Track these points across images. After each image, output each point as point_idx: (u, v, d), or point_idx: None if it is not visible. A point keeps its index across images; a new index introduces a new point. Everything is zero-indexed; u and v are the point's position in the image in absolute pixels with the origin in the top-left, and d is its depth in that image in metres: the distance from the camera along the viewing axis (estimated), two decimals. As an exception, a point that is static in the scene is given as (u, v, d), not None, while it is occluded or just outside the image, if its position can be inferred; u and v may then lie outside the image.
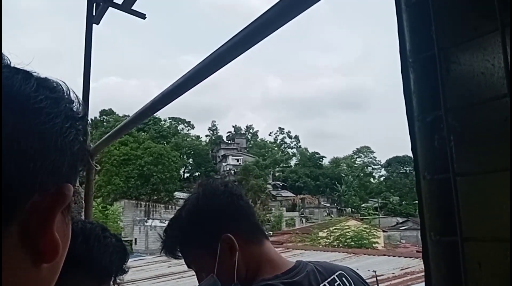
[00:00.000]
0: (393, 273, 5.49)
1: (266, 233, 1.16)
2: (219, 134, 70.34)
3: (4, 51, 0.41)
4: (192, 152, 61.91)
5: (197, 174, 60.50)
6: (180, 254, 1.13)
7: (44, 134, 0.38)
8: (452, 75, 0.55)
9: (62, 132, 0.40)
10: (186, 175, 61.56)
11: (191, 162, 62.86)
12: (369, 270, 5.33)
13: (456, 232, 0.52)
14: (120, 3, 2.51)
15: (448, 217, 0.52)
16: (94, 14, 2.57)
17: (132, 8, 2.52)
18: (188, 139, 64.79)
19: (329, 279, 1.07)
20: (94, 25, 2.55)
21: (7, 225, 0.36)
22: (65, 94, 0.43)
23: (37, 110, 0.38)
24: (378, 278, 4.22)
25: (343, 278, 1.10)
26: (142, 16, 2.35)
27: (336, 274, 1.11)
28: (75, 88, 0.47)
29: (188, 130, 67.97)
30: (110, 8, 2.52)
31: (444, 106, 0.54)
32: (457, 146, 0.53)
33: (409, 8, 0.59)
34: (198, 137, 67.75)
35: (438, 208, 0.55)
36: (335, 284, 1.07)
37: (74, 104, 0.44)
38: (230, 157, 58.38)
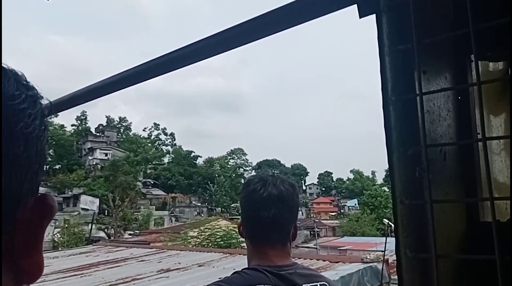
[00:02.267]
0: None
1: (279, 244, 1.32)
2: (87, 125, 65.20)
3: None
4: (54, 142, 56.13)
5: (57, 166, 55.14)
6: None
7: (27, 140, 0.34)
8: (428, 117, 0.65)
9: (39, 135, 0.36)
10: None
11: (51, 153, 56.90)
12: (245, 270, 5.54)
13: (429, 250, 0.61)
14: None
15: (422, 237, 0.61)
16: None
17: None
18: (50, 128, 58.52)
19: (310, 284, 1.26)
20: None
21: None
22: (38, 91, 0.38)
23: (21, 112, 0.34)
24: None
25: None
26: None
27: (320, 283, 1.28)
28: None
29: (50, 118, 61.36)
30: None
31: (424, 143, 0.63)
32: (433, 178, 0.62)
33: (393, 54, 0.67)
34: (62, 126, 61.66)
35: (414, 229, 0.63)
36: None
37: (40, 98, 0.38)
38: (98, 150, 54.63)
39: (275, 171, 72.97)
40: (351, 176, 76.55)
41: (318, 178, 78.05)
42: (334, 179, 77.64)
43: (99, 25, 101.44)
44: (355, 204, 61.47)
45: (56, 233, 27.73)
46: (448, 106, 0.73)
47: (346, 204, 64.15)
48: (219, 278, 1.33)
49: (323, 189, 75.81)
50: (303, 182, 76.94)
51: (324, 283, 1.29)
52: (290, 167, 76.70)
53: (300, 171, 76.22)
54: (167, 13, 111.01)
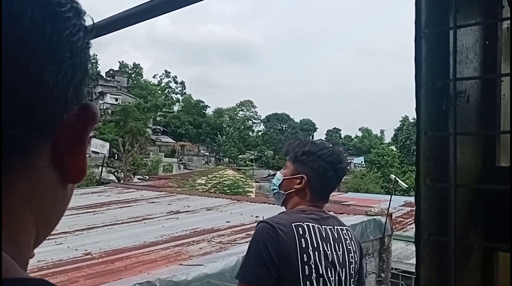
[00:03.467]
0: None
1: (327, 199, 1.78)
2: (98, 69, 64.89)
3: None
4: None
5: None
6: (285, 149, 1.84)
7: (72, 48, 0.35)
8: (461, 51, 0.65)
9: (83, 47, 0.37)
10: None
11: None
12: (252, 216, 5.73)
13: (448, 180, 0.63)
14: None
15: (443, 167, 0.64)
16: None
17: None
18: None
19: (339, 227, 1.70)
20: None
21: (42, 142, 0.34)
22: (80, 4, 0.38)
23: (67, 20, 0.35)
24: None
25: (344, 231, 1.73)
26: None
27: (345, 227, 1.75)
28: None
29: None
30: None
31: (454, 76, 0.63)
32: (460, 110, 0.63)
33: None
34: (72, 69, 61.28)
35: (435, 160, 0.66)
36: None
37: (85, 13, 0.39)
38: (109, 95, 54.75)
39: (284, 125, 73.04)
40: (360, 133, 76.39)
41: (326, 134, 78.01)
42: (342, 136, 77.55)
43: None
44: (362, 162, 61.84)
45: (67, 174, 28.39)
46: (475, 49, 0.73)
47: (352, 161, 64.49)
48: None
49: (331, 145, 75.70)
50: (311, 137, 76.94)
51: (348, 228, 1.73)
52: (298, 122, 76.50)
53: (308, 127, 76.06)
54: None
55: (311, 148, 1.71)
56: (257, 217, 5.44)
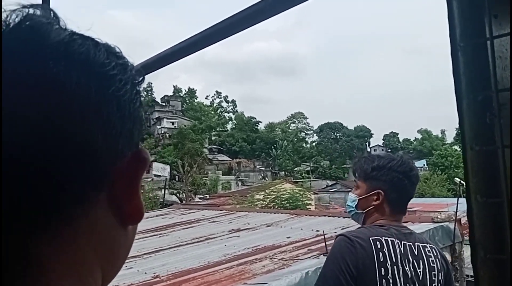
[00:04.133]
0: (335, 232, 5.84)
1: (405, 211, 1.76)
2: (153, 95, 68.04)
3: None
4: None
5: (130, 136, 58.39)
6: (353, 169, 1.82)
7: (119, 102, 0.38)
8: (500, 63, 0.64)
9: (131, 98, 0.40)
10: (118, 138, 59.14)
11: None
12: (312, 230, 5.66)
13: (501, 195, 0.61)
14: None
15: (493, 182, 0.62)
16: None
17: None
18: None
19: (421, 244, 1.64)
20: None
21: (97, 192, 0.37)
22: (128, 59, 0.42)
23: (112, 77, 0.38)
24: (326, 236, 4.50)
25: (432, 249, 1.67)
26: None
27: (429, 245, 1.69)
28: None
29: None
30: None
31: (495, 88, 0.61)
32: (505, 123, 0.62)
33: (461, -1, 0.65)
34: (130, 98, 64.86)
35: (484, 175, 0.64)
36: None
37: (133, 67, 0.43)
38: (165, 120, 57.02)
39: (338, 134, 71.82)
40: (419, 136, 73.19)
41: (383, 139, 75.65)
42: (401, 140, 74.77)
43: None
44: (424, 165, 59.07)
45: (133, 199, 29.79)
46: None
47: (414, 164, 61.57)
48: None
49: (389, 150, 73.37)
50: (367, 144, 74.98)
51: (433, 246, 1.68)
52: (353, 129, 74.83)
53: (363, 133, 74.17)
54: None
55: (379, 162, 1.70)
56: (317, 231, 5.37)
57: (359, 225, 1.75)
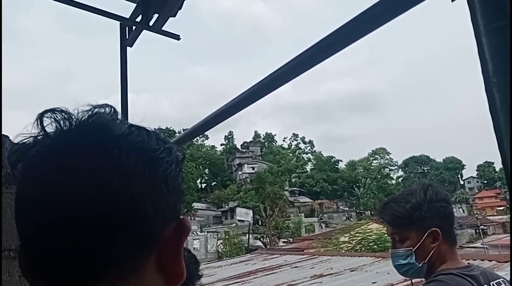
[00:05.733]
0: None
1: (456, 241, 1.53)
2: (234, 143, 70.52)
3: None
4: (208, 162, 62.12)
5: (213, 184, 60.60)
6: (387, 219, 1.51)
7: (167, 179, 0.47)
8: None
9: (176, 175, 0.48)
10: (203, 185, 61.78)
11: (207, 172, 63.03)
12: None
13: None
14: (151, 25, 2.59)
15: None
16: (127, 37, 2.65)
17: (163, 29, 2.60)
18: (203, 149, 65.09)
19: (495, 281, 1.38)
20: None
21: (148, 255, 0.45)
22: (171, 143, 0.51)
23: (161, 160, 0.47)
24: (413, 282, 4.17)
25: (504, 284, 1.40)
26: (176, 37, 2.42)
27: (500, 279, 1.42)
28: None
29: (202, 141, 68.30)
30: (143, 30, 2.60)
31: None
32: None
33: (488, 33, 0.63)
34: (213, 147, 68.03)
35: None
36: None
37: (177, 148, 0.51)
38: (246, 165, 58.41)
39: (425, 168, 67.66)
40: (520, 163, 65.96)
41: (477, 170, 69.59)
42: (497, 170, 68.13)
43: (229, 50, 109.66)
44: (529, 196, 52.64)
45: (219, 244, 30.48)
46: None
47: (517, 196, 55.31)
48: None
49: (485, 182, 67.10)
50: (459, 176, 69.54)
51: (503, 279, 1.42)
52: (441, 161, 70.17)
53: (454, 165, 69.05)
54: (289, 24, 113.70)
55: (415, 198, 1.47)
56: (405, 275, 4.99)
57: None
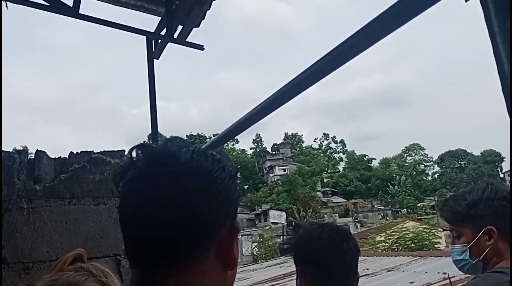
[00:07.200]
0: (465, 274, 5.18)
1: None
2: (263, 146, 70.62)
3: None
4: (239, 166, 62.19)
5: (245, 187, 60.88)
6: (444, 215, 1.57)
7: (220, 193, 0.62)
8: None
9: (228, 188, 0.63)
10: (235, 189, 61.95)
11: (238, 176, 63.21)
12: (438, 273, 5.15)
13: None
14: (176, 38, 2.66)
15: None
16: (153, 50, 2.74)
17: (187, 40, 2.67)
18: (233, 153, 65.54)
19: None
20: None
21: (208, 248, 0.61)
22: (225, 161, 0.65)
23: (215, 178, 0.62)
24: (452, 280, 4.07)
25: None
26: (200, 47, 2.48)
27: None
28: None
29: (233, 145, 68.80)
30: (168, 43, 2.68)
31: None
32: None
33: (503, 32, 0.63)
34: (243, 150, 68.40)
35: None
36: None
37: (230, 165, 0.66)
38: (277, 167, 58.31)
39: (462, 162, 65.50)
40: None
41: (518, 162, 66.56)
42: (542, 161, 64.85)
43: (256, 55, 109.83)
44: None
45: (254, 247, 30.58)
46: None
47: None
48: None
49: (529, 174, 64.18)
50: (499, 169, 66.75)
51: None
52: (479, 155, 67.66)
53: (493, 158, 66.33)
54: (314, 24, 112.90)
55: (473, 196, 1.48)
56: (444, 273, 4.87)
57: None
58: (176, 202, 0.59)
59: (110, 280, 1.16)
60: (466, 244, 1.48)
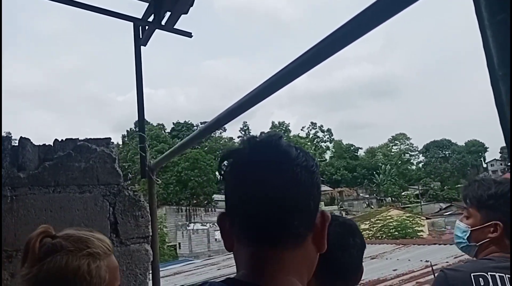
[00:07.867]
0: (447, 262, 5.32)
1: None
2: (251, 134, 70.47)
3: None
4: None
5: (232, 175, 60.69)
6: (464, 193, 1.59)
7: (318, 185, 0.73)
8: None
9: (319, 185, 0.74)
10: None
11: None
12: (421, 260, 5.26)
13: None
14: (164, 24, 2.62)
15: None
16: (141, 37, 2.69)
17: (176, 27, 2.62)
18: (221, 142, 65.38)
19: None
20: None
21: (309, 233, 0.71)
22: (316, 165, 0.74)
23: (315, 172, 0.72)
24: (434, 267, 4.16)
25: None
26: (188, 34, 2.44)
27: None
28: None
29: (220, 133, 68.60)
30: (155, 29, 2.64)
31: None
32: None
33: (493, 25, 0.63)
34: (231, 138, 68.20)
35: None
36: None
37: (316, 163, 0.75)
38: (263, 155, 58.30)
39: (447, 152, 66.55)
40: (546, 144, 64.12)
41: (500, 152, 67.87)
42: (523, 151, 66.14)
43: (246, 42, 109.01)
44: (557, 177, 51.29)
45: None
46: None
47: (544, 178, 53.80)
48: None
49: (508, 164, 65.52)
50: (482, 159, 68.04)
51: None
52: (463, 145, 68.76)
53: (476, 148, 67.53)
54: (304, 13, 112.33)
55: (497, 189, 1.48)
56: (426, 261, 4.97)
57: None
58: (293, 191, 0.69)
59: (93, 245, 1.09)
60: (469, 226, 1.54)
